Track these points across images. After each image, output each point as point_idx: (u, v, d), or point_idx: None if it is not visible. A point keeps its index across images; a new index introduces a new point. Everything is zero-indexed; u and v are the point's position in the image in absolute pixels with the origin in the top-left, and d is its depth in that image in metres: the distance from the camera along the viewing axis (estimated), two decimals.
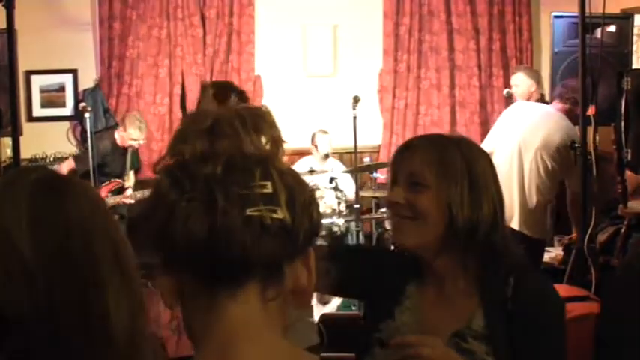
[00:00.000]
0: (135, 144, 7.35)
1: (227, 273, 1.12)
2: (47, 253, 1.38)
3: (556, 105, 5.86)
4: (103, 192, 7.29)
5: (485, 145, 6.04)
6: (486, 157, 2.20)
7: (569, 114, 5.78)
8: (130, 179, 7.59)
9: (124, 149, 7.37)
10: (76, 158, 7.34)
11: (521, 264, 2.17)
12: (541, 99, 6.81)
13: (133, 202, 7.36)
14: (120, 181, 7.42)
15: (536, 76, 7.20)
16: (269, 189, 1.11)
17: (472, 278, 2.10)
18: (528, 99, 6.72)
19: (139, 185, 7.71)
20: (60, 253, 1.39)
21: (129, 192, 7.38)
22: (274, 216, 1.10)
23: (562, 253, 6.38)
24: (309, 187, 1.19)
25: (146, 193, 7.28)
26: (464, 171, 2.08)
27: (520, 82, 7.04)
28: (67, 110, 8.08)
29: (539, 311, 2.08)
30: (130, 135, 7.26)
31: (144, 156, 8.12)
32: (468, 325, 2.07)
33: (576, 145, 5.41)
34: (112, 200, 7.32)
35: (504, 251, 2.11)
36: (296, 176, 1.18)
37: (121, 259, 1.50)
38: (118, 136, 7.35)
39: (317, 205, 1.19)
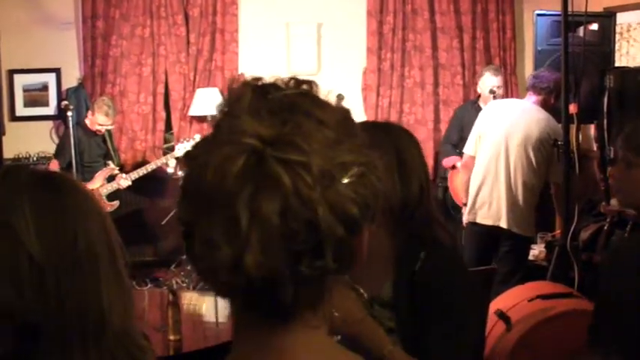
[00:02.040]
0: (102, 129, 7.31)
1: None
2: (56, 253, 1.40)
3: (530, 97, 5.86)
4: (99, 179, 7.27)
5: (467, 149, 6.07)
6: (413, 141, 2.41)
7: (545, 104, 5.80)
8: (116, 161, 7.56)
9: (96, 134, 7.33)
10: (56, 155, 7.31)
11: (436, 240, 2.33)
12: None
13: (129, 183, 7.34)
14: (113, 167, 7.40)
15: (499, 74, 7.29)
16: None
17: (394, 251, 2.28)
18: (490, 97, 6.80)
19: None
20: (68, 254, 1.41)
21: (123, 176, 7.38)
22: None
23: (545, 250, 6.41)
24: None
25: (140, 172, 7.31)
26: (392, 153, 2.26)
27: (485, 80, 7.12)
28: (51, 109, 8.05)
29: (441, 286, 2.23)
30: (96, 119, 7.24)
31: (127, 155, 8.10)
32: (379, 293, 2.27)
33: (559, 143, 5.43)
34: (109, 187, 7.30)
35: (424, 227, 2.30)
36: None
37: (116, 257, 1.52)
38: (88, 120, 7.33)
39: None
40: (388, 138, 2.29)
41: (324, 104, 1.08)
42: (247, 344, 1.09)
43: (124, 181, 7.33)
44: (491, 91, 7.03)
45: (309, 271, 0.99)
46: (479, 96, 7.37)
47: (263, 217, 0.95)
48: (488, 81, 7.14)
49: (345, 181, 1.00)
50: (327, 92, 1.12)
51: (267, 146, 0.97)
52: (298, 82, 1.10)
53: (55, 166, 7.13)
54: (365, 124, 2.30)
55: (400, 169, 2.28)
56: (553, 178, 5.74)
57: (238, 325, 1.11)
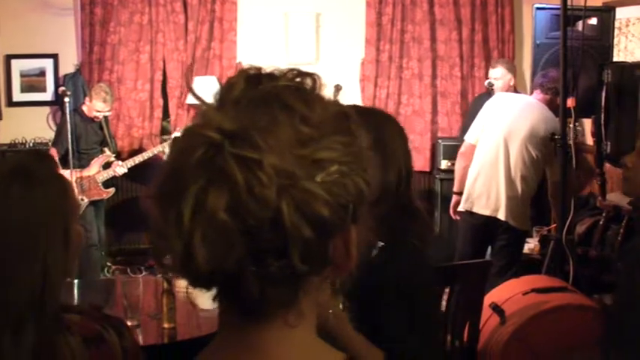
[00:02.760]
0: (100, 115, 7.27)
1: None
2: None
3: (537, 95, 5.87)
4: (95, 166, 7.26)
5: (469, 137, 6.07)
6: (397, 129, 2.42)
7: (551, 105, 5.80)
8: (112, 148, 7.54)
9: (93, 120, 7.30)
10: (54, 143, 7.29)
11: (405, 231, 2.34)
12: (514, 90, 6.86)
13: (125, 170, 7.34)
14: (109, 154, 7.39)
15: (514, 70, 7.28)
16: None
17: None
18: (507, 91, 6.78)
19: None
20: None
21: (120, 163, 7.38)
22: None
23: (539, 244, 6.42)
24: None
25: (136, 160, 7.31)
26: (371, 139, 2.18)
27: (501, 75, 7.09)
28: (48, 95, 8.04)
29: (388, 275, 2.24)
30: (94, 106, 7.19)
31: (124, 142, 8.09)
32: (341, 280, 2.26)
33: (556, 137, 5.44)
34: (105, 174, 7.29)
35: (394, 217, 2.29)
36: None
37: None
38: (85, 107, 7.29)
39: None
40: (368, 123, 2.26)
41: (312, 99, 1.04)
42: (224, 337, 1.08)
43: (120, 169, 7.32)
44: (490, 84, 7.04)
45: (275, 269, 0.97)
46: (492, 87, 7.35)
47: (208, 211, 0.94)
48: (491, 73, 7.19)
49: (318, 179, 0.97)
50: (325, 86, 1.09)
51: (226, 139, 0.95)
52: (296, 74, 1.08)
53: (53, 154, 7.12)
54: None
55: (377, 156, 2.26)
56: (553, 177, 5.74)
57: (220, 315, 1.09)
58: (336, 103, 1.09)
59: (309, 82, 1.08)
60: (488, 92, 7.34)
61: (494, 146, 5.82)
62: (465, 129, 7.56)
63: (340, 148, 1.01)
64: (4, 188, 1.74)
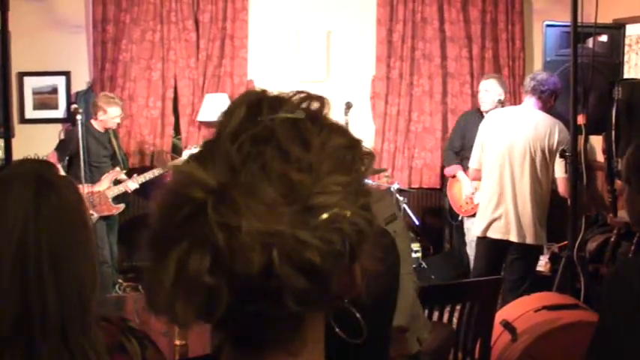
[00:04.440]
0: (118, 120, 7.31)
1: None
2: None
3: (530, 99, 5.83)
4: (106, 182, 7.28)
5: (472, 162, 6.07)
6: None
7: (545, 106, 5.78)
8: (123, 162, 7.53)
9: (103, 134, 7.30)
10: (57, 149, 7.30)
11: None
12: (502, 106, 6.86)
13: (137, 186, 7.35)
14: (118, 170, 7.40)
15: (505, 87, 7.28)
16: None
17: None
18: (495, 107, 6.78)
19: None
20: None
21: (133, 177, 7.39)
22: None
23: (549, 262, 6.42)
24: None
25: (147, 176, 7.31)
26: None
27: (492, 88, 7.08)
28: (60, 112, 8.07)
29: None
30: (112, 114, 7.20)
31: (135, 159, 8.11)
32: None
33: (567, 154, 5.43)
34: (115, 189, 7.31)
35: None
36: None
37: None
38: (98, 122, 7.28)
39: None
40: None
41: (310, 135, 1.01)
42: None
43: (132, 184, 7.33)
44: (500, 102, 7.03)
45: (272, 313, 0.96)
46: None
47: (190, 276, 0.94)
48: (480, 85, 7.22)
49: (311, 226, 0.94)
50: (331, 108, 1.08)
51: (210, 198, 0.94)
52: (302, 99, 1.06)
53: (53, 158, 7.15)
54: None
55: None
56: (556, 174, 5.71)
57: (216, 346, 1.09)
58: (341, 132, 1.06)
59: (316, 105, 1.06)
60: (478, 109, 7.37)
61: (497, 168, 5.80)
62: (450, 145, 7.57)
63: (337, 189, 0.98)
64: (33, 198, 1.74)
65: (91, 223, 1.91)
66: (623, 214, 6.14)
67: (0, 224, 1.72)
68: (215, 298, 0.94)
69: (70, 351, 1.71)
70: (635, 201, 2.54)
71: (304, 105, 1.06)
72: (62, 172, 7.13)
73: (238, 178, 0.95)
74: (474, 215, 6.50)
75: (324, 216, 0.95)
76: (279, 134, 0.99)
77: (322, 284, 0.97)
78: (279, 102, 1.05)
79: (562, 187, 5.69)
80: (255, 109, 1.03)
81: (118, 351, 1.83)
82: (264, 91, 1.07)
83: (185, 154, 7.44)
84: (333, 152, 1.01)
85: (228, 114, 1.04)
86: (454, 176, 7.35)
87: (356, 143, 1.06)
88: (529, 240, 5.74)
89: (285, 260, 0.93)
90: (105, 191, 7.24)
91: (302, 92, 1.08)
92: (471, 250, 6.91)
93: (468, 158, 6.40)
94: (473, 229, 6.21)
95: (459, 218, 7.39)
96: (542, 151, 5.66)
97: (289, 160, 0.97)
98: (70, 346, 1.71)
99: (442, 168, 8.28)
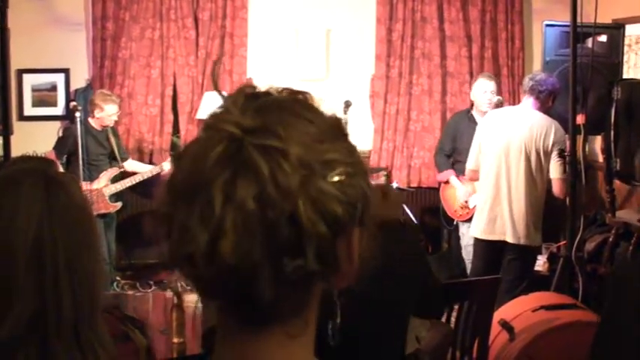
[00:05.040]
0: (115, 118, 7.29)
1: None
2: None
3: (528, 99, 5.83)
4: (104, 180, 7.27)
5: (469, 163, 6.08)
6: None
7: (543, 106, 5.79)
8: (122, 159, 7.52)
9: (100, 132, 7.29)
10: (55, 148, 7.29)
11: None
12: (494, 106, 6.86)
13: (134, 183, 7.35)
14: (117, 168, 7.39)
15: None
16: None
17: None
18: (487, 107, 6.81)
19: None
20: None
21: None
22: None
23: (547, 262, 6.42)
24: None
25: (146, 174, 7.31)
26: None
27: (492, 88, 7.10)
28: (59, 110, 8.07)
29: None
30: (109, 112, 7.18)
31: (133, 157, 8.11)
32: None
33: (565, 154, 5.43)
34: (113, 188, 7.30)
35: None
36: None
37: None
38: (95, 120, 7.26)
39: None
40: None
41: (314, 109, 1.07)
42: (222, 353, 1.07)
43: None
44: (499, 101, 7.02)
45: (291, 269, 0.97)
46: (472, 105, 7.34)
47: (238, 201, 0.94)
48: (483, 85, 7.13)
49: (330, 178, 0.98)
50: (319, 101, 1.11)
51: (247, 134, 0.96)
52: (290, 92, 1.09)
53: (52, 156, 7.14)
54: None
55: None
56: (551, 174, 5.72)
57: (218, 332, 1.08)
58: (331, 115, 1.10)
59: (307, 97, 1.09)
60: (467, 110, 7.36)
61: (494, 169, 5.81)
62: (440, 148, 7.53)
63: (345, 151, 1.03)
64: (41, 194, 1.73)
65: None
66: (621, 214, 6.15)
67: (13, 223, 1.71)
68: (253, 233, 0.95)
69: (80, 348, 1.71)
70: None
71: (295, 94, 1.10)
72: (61, 169, 7.16)
73: (272, 119, 0.99)
74: (469, 220, 6.49)
75: (341, 169, 1.00)
76: (286, 103, 1.04)
77: (338, 239, 1.00)
78: (272, 92, 1.08)
79: (557, 188, 5.70)
80: (252, 96, 1.06)
81: (122, 340, 1.84)
82: (255, 86, 1.10)
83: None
84: (332, 125, 1.06)
85: (229, 100, 1.06)
86: (447, 182, 7.31)
87: (342, 123, 1.10)
88: (523, 241, 5.75)
89: (310, 206, 0.96)
90: (102, 189, 7.24)
91: (287, 88, 1.11)
92: (466, 255, 6.91)
93: (459, 162, 6.41)
94: (470, 231, 6.22)
95: (454, 223, 7.36)
96: (537, 152, 5.67)
97: (303, 119, 1.02)
98: (81, 344, 1.71)
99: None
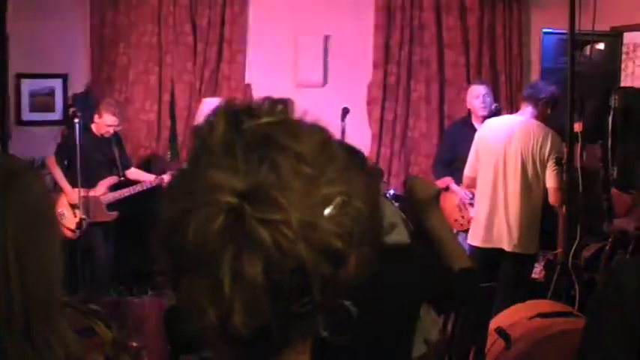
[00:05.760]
0: (111, 130, 7.21)
1: None
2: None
3: (527, 108, 5.84)
4: (102, 188, 7.25)
5: (467, 170, 6.08)
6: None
7: (541, 115, 5.79)
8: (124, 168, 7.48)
9: (102, 139, 7.27)
10: (56, 153, 7.28)
11: None
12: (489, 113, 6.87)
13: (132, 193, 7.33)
14: (116, 177, 7.36)
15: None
16: None
17: None
18: (483, 113, 6.81)
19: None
20: None
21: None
22: None
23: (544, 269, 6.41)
24: None
25: (146, 185, 7.28)
26: None
27: (488, 92, 7.09)
28: (57, 115, 8.07)
29: None
30: (105, 121, 7.15)
31: (130, 162, 8.10)
32: None
33: (563, 162, 5.44)
34: (110, 196, 7.28)
35: None
36: None
37: None
38: (94, 125, 7.24)
39: None
40: None
41: (299, 132, 1.04)
42: None
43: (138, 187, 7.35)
44: (497, 107, 7.03)
45: (298, 308, 0.98)
46: (469, 113, 7.32)
47: (247, 279, 0.94)
48: (475, 90, 7.14)
49: (327, 213, 0.98)
50: (303, 112, 1.10)
51: (244, 202, 0.95)
52: (272, 104, 1.07)
53: (52, 160, 7.15)
54: None
55: None
56: (547, 183, 5.73)
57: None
58: (315, 128, 1.09)
59: (288, 108, 1.08)
60: (465, 118, 7.35)
61: (491, 175, 5.82)
62: (439, 158, 7.50)
63: (338, 177, 1.02)
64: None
65: (57, 216, 1.90)
66: (618, 222, 6.15)
67: None
68: (262, 302, 0.95)
69: (34, 347, 1.69)
70: None
71: (278, 108, 1.08)
72: (61, 174, 7.15)
73: (265, 178, 0.97)
74: (466, 231, 6.47)
75: (336, 201, 0.99)
76: (272, 135, 1.01)
77: (342, 270, 1.01)
78: (254, 110, 1.06)
79: (553, 198, 5.71)
80: (234, 119, 1.04)
81: (88, 335, 1.82)
82: (234, 103, 1.08)
83: None
84: (321, 144, 1.05)
85: (208, 128, 1.04)
86: (447, 189, 7.25)
87: (328, 134, 1.09)
88: (520, 249, 5.75)
89: (313, 250, 0.96)
90: (100, 197, 7.22)
91: (268, 97, 1.09)
92: None
93: (460, 170, 6.40)
94: (468, 238, 6.20)
95: (454, 232, 7.29)
96: (534, 160, 5.68)
97: (292, 155, 1.00)
98: (34, 342, 1.69)
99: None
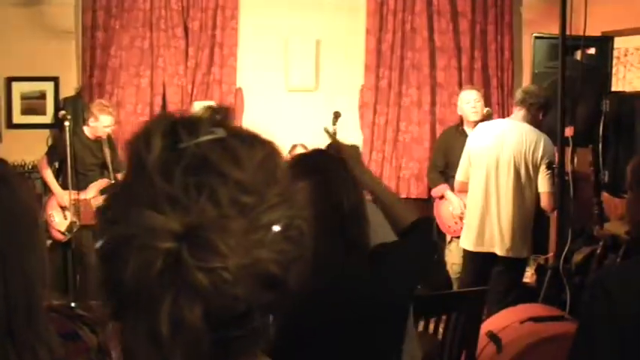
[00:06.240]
0: (108, 130, 7.20)
1: None
2: None
3: (518, 112, 5.85)
4: (93, 190, 7.23)
5: (459, 175, 6.08)
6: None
7: (534, 119, 5.80)
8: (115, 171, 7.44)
9: (93, 142, 7.25)
10: (47, 154, 7.26)
11: None
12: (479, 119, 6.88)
13: None
14: (108, 180, 7.33)
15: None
16: None
17: None
18: (474, 118, 6.82)
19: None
20: None
21: None
22: None
23: (535, 273, 6.43)
24: None
25: None
26: None
27: (479, 98, 7.09)
28: (48, 118, 8.04)
29: None
30: (103, 122, 7.12)
31: (122, 166, 8.08)
32: None
33: (554, 166, 5.45)
34: (100, 199, 7.24)
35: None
36: None
37: None
38: (89, 129, 7.23)
39: None
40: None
41: (239, 154, 1.00)
42: None
43: None
44: (488, 112, 7.04)
45: (241, 332, 0.98)
46: (461, 119, 7.32)
47: (186, 324, 0.93)
48: (466, 96, 7.14)
49: (268, 241, 0.97)
50: (248, 125, 1.07)
51: (183, 245, 0.93)
52: (212, 115, 1.05)
53: (43, 162, 7.13)
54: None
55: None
56: (540, 188, 5.73)
57: None
58: (257, 141, 1.06)
59: (224, 116, 1.06)
60: (456, 125, 7.36)
61: (483, 179, 5.82)
62: (433, 165, 7.50)
63: (278, 201, 1.00)
64: None
65: (41, 218, 1.89)
66: (609, 226, 6.16)
67: None
68: (201, 341, 0.94)
69: (16, 349, 1.68)
70: (636, 207, 2.58)
71: (217, 118, 1.05)
72: (51, 176, 7.13)
73: (199, 216, 0.94)
74: (459, 237, 6.45)
75: (275, 229, 0.98)
76: (212, 159, 0.98)
77: (283, 292, 1.00)
78: (193, 124, 1.03)
79: (545, 202, 5.72)
80: (171, 136, 1.01)
81: (72, 339, 1.81)
82: (172, 115, 1.05)
83: None
84: (262, 165, 1.02)
85: (143, 146, 1.01)
86: (442, 197, 7.24)
87: (271, 149, 1.07)
88: (512, 253, 5.76)
89: (253, 282, 0.95)
90: (91, 200, 7.20)
91: (209, 106, 1.07)
92: (452, 274, 6.86)
93: (453, 177, 6.39)
94: (460, 242, 6.20)
95: (448, 239, 7.23)
96: (527, 165, 5.68)
97: (231, 183, 0.97)
98: (17, 346, 1.68)
99: (429, 189, 8.18)
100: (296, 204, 1.03)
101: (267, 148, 1.05)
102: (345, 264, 2.50)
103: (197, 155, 0.98)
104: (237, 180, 0.98)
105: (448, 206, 7.11)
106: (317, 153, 2.91)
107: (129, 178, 1.03)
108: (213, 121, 1.04)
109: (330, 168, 2.65)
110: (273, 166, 1.04)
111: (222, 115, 1.06)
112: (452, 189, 6.91)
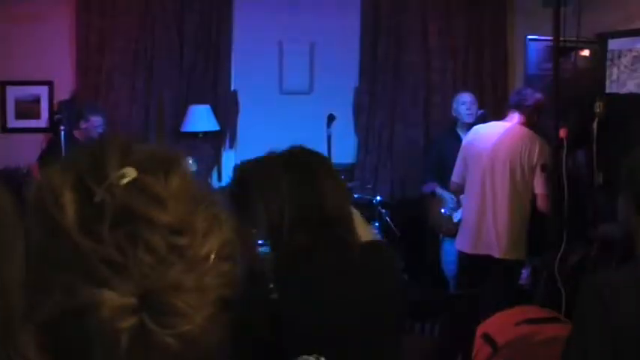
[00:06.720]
0: (100, 129, 7.19)
1: None
2: None
3: (513, 115, 5.86)
4: None
5: (455, 176, 6.08)
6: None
7: (529, 121, 5.81)
8: None
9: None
10: (39, 159, 7.24)
11: None
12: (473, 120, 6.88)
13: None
14: None
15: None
16: None
17: None
18: (467, 120, 6.82)
19: None
20: None
21: None
22: None
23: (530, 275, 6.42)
24: None
25: None
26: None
27: (474, 100, 7.10)
28: (42, 122, 8.03)
29: None
30: (94, 123, 7.13)
31: None
32: None
33: (549, 168, 5.46)
34: None
35: None
36: None
37: None
38: (80, 132, 7.21)
39: None
40: None
41: (157, 193, 0.96)
42: None
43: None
44: (483, 115, 7.05)
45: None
46: (455, 123, 7.32)
47: None
48: (462, 98, 7.15)
49: (211, 267, 0.97)
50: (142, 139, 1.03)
51: (143, 315, 0.91)
52: (111, 148, 0.99)
53: (36, 167, 7.10)
54: None
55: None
56: (535, 190, 5.74)
57: None
58: (169, 164, 1.01)
59: (126, 145, 1.01)
60: (450, 128, 7.35)
61: (479, 181, 5.82)
62: (429, 169, 7.48)
63: (208, 227, 0.98)
64: None
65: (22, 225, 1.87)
66: (604, 228, 6.17)
67: None
68: None
69: None
70: (625, 209, 2.59)
71: (121, 154, 1.00)
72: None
73: (145, 276, 0.91)
74: (453, 236, 6.45)
75: (212, 258, 0.97)
76: (134, 206, 0.94)
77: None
78: (96, 169, 0.98)
79: (541, 203, 5.72)
80: (82, 190, 0.97)
81: None
82: (73, 165, 1.00)
83: None
84: (184, 196, 0.99)
85: (52, 205, 0.96)
86: (433, 195, 7.20)
87: (178, 166, 1.02)
88: (509, 255, 5.76)
89: (214, 319, 0.96)
90: None
91: (103, 138, 1.04)
92: (448, 272, 6.86)
93: (449, 180, 6.39)
94: (456, 244, 6.20)
95: (440, 238, 7.24)
96: (522, 167, 5.69)
97: (161, 227, 0.94)
98: None
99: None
100: (220, 216, 1.02)
101: (175, 168, 1.01)
102: (331, 260, 2.50)
103: (118, 206, 0.94)
104: (165, 224, 0.94)
105: (440, 206, 7.11)
106: (306, 150, 2.92)
107: (42, 241, 0.97)
108: (120, 160, 0.99)
109: (318, 165, 2.71)
110: (189, 187, 1.01)
111: (120, 141, 1.01)
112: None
